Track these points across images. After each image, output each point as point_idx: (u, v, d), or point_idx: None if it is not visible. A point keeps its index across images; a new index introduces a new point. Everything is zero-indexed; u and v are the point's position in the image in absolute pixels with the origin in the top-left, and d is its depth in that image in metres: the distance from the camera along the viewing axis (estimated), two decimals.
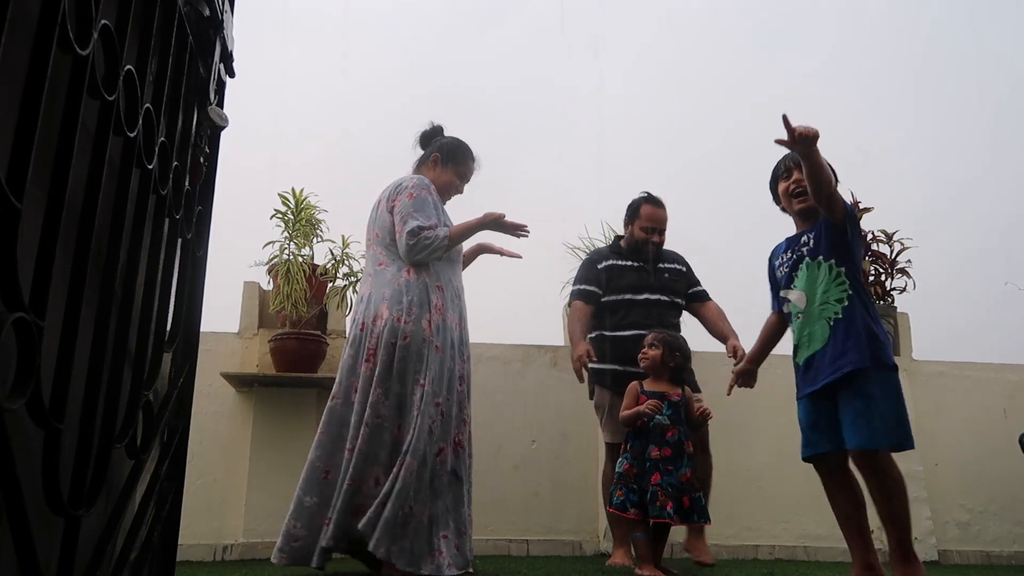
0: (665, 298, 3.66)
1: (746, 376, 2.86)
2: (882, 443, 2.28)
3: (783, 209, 2.75)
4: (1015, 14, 7.66)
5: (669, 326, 3.56)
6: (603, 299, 3.68)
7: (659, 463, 2.90)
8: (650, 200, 3.76)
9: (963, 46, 7.66)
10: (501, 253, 3.12)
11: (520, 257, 3.10)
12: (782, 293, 2.67)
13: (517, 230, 2.98)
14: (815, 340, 2.48)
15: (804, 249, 2.58)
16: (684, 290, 3.76)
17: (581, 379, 3.50)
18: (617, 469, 3.01)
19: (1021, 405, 4.71)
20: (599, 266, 3.76)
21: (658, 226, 3.72)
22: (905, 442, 2.29)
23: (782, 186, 2.68)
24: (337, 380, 2.85)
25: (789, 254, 2.66)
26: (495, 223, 2.96)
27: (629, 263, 3.73)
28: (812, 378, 2.47)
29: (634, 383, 3.12)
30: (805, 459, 2.53)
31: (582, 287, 3.73)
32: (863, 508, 2.42)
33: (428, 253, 2.82)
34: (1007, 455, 4.35)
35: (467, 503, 2.82)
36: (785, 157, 2.66)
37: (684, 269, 3.82)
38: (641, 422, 2.96)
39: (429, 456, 2.67)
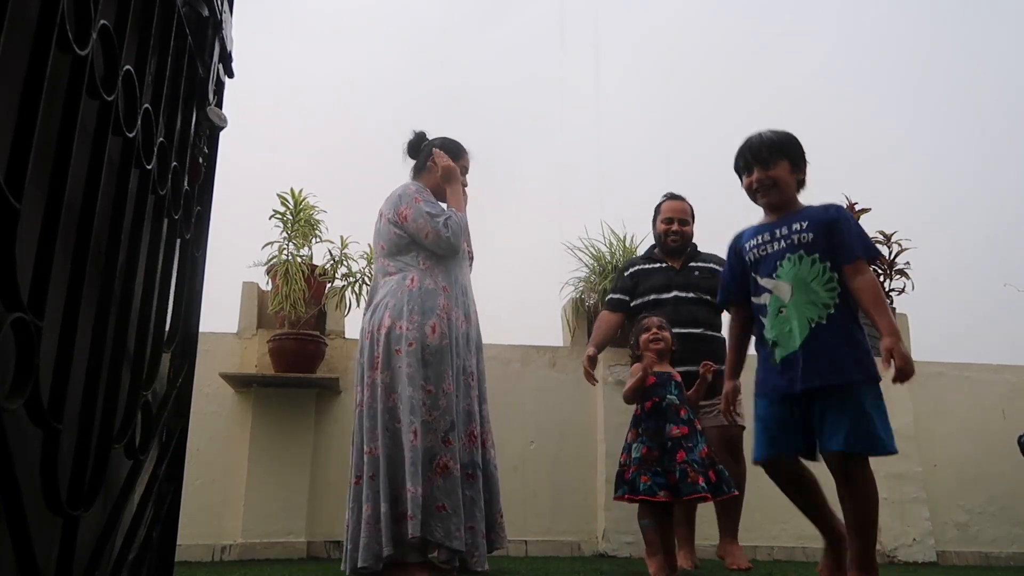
0: (694, 295, 3.63)
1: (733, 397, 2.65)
2: (867, 448, 2.22)
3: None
4: (1016, 16, 7.67)
5: (702, 324, 3.56)
6: (632, 303, 3.73)
7: (681, 440, 2.80)
8: (670, 196, 3.84)
9: (964, 47, 7.66)
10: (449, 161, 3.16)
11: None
12: (763, 282, 2.46)
13: (458, 161, 3.14)
14: (793, 339, 2.32)
15: (796, 239, 2.40)
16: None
17: (590, 381, 3.68)
18: (634, 455, 2.86)
19: (1020, 406, 4.71)
20: (627, 272, 3.85)
21: (677, 215, 3.74)
22: (889, 446, 2.23)
23: (744, 182, 2.54)
24: (355, 388, 2.98)
25: (767, 237, 2.47)
26: (453, 173, 3.10)
27: (658, 264, 3.76)
28: (789, 381, 2.32)
29: (637, 365, 3.01)
30: (765, 459, 2.39)
31: (609, 296, 3.89)
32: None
33: (462, 233, 2.98)
34: (1006, 456, 4.35)
35: (495, 494, 2.93)
36: (743, 150, 2.52)
37: (722, 269, 3.67)
38: (652, 403, 2.89)
39: (441, 452, 2.74)
